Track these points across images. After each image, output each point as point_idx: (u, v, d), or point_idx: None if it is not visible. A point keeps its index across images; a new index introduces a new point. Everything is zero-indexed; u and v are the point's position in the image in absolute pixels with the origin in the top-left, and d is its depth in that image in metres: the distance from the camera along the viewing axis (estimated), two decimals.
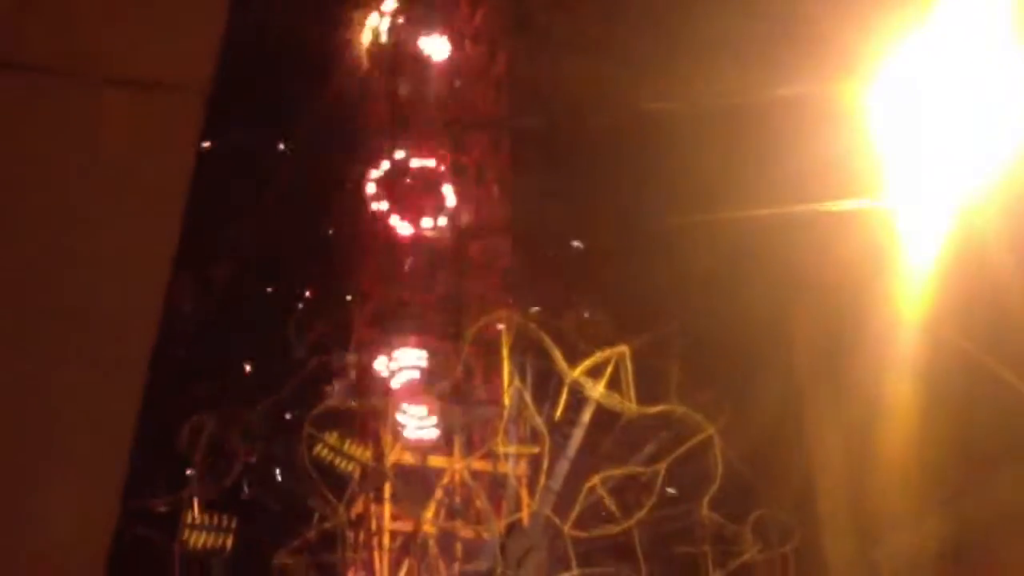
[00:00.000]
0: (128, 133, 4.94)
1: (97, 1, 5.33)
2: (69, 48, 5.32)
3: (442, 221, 19.42)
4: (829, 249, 17.85)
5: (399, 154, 19.79)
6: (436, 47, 20.45)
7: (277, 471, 15.66)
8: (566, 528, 16.05)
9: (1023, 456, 14.39)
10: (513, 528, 16.37)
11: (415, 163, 19.89)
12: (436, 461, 17.05)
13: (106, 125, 5.02)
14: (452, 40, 20.54)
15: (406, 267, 18.94)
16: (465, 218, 19.81)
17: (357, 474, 15.79)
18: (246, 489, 15.58)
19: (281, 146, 21.06)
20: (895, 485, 16.52)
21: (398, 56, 20.37)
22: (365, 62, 20.55)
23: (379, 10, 20.58)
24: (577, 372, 17.03)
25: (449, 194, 19.82)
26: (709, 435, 16.94)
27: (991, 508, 14.74)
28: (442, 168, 20.09)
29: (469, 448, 17.38)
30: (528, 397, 16.91)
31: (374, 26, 20.52)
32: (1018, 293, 14.38)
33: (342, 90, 20.43)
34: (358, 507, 16.59)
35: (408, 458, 16.93)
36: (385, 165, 19.63)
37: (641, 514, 16.19)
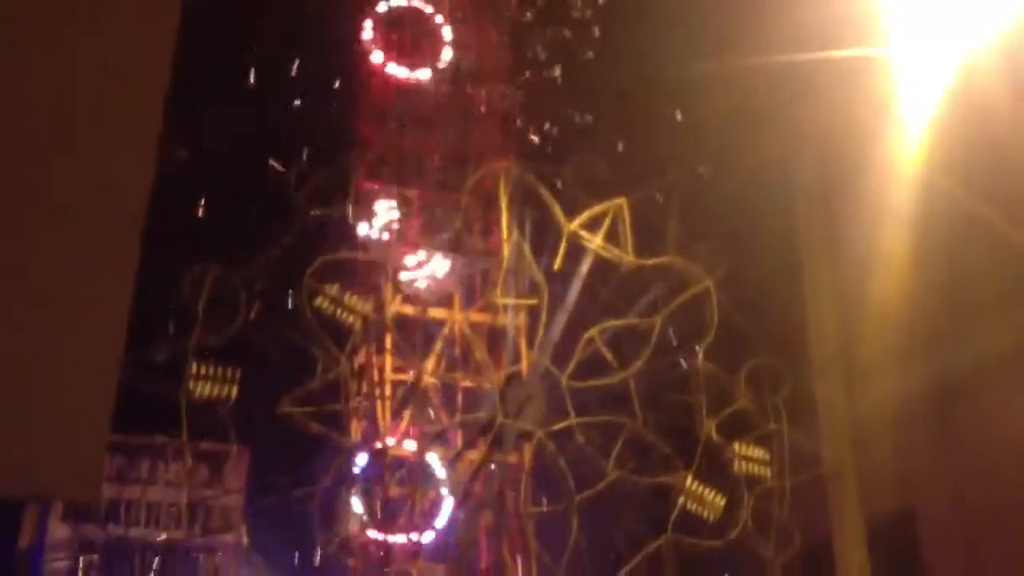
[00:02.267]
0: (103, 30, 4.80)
1: None
2: None
3: (442, 65, 19.16)
4: (832, 99, 17.67)
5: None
6: None
7: (279, 321, 15.78)
8: (564, 378, 16.30)
9: (1010, 303, 14.54)
10: (512, 379, 16.65)
11: (414, 4, 19.48)
12: (436, 313, 17.22)
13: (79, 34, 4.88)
14: None
15: (405, 115, 18.74)
16: (465, 64, 19.51)
17: (358, 325, 15.92)
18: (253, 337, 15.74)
19: None
20: (886, 332, 16.77)
21: None
22: None
23: None
24: (575, 224, 17.02)
25: (448, 38, 19.49)
26: (706, 286, 17.02)
27: (976, 353, 14.99)
28: (440, 15, 19.70)
29: (468, 300, 17.54)
30: (527, 249, 16.93)
31: None
32: (1017, 141, 14.29)
33: None
34: (360, 358, 16.83)
35: (408, 310, 17.09)
36: (383, 8, 19.23)
37: (638, 364, 16.42)
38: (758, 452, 16.62)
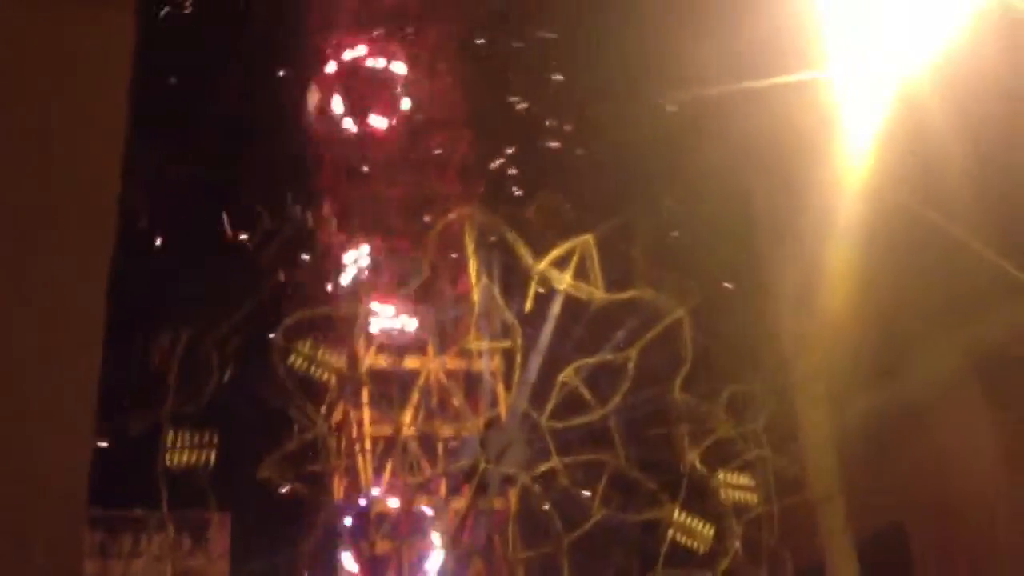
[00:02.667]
0: (63, 47, 4.78)
1: None
2: None
3: (397, 118, 19.25)
4: (781, 120, 17.85)
5: (351, 52, 19.49)
6: None
7: (254, 383, 15.64)
8: (543, 419, 16.24)
9: (963, 317, 14.70)
10: (492, 424, 16.57)
11: (368, 61, 19.61)
12: (411, 362, 17.13)
13: (40, 39, 4.86)
14: None
15: (365, 166, 18.78)
16: (420, 113, 19.61)
17: (333, 381, 15.81)
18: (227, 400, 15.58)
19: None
20: (856, 350, 16.84)
21: None
22: None
23: None
24: (543, 264, 17.04)
25: (403, 90, 19.61)
26: (678, 318, 17.05)
27: (937, 367, 15.11)
28: (395, 65, 19.82)
29: (442, 347, 17.47)
30: (497, 292, 16.92)
31: None
32: (954, 156, 14.55)
33: None
34: (337, 415, 16.69)
35: (382, 361, 16.99)
36: (332, 68, 19.34)
37: (616, 400, 16.39)
38: (743, 479, 16.59)
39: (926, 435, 15.67)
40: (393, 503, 16.20)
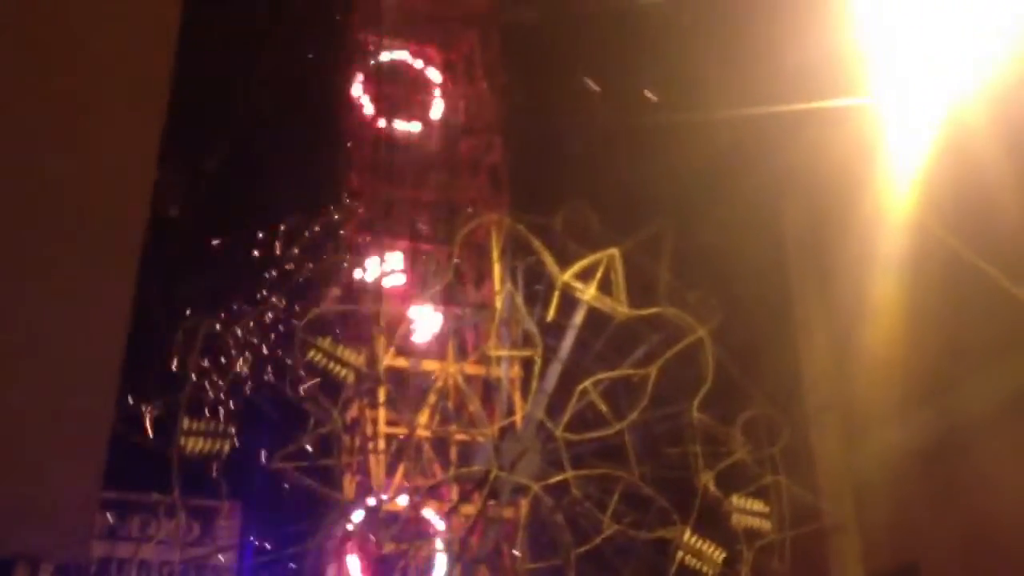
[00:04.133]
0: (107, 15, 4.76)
1: None
2: None
3: (429, 121, 19.30)
4: (819, 146, 17.77)
5: (388, 53, 19.56)
6: None
7: (272, 375, 15.67)
8: (558, 431, 16.17)
9: (1005, 353, 14.48)
10: (506, 431, 16.52)
11: (404, 61, 19.69)
12: (429, 365, 17.12)
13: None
14: None
15: (396, 167, 18.82)
16: (454, 116, 19.66)
17: (351, 379, 15.81)
18: (246, 391, 15.61)
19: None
20: (882, 381, 16.68)
21: None
22: None
23: None
24: (568, 274, 17.00)
25: (438, 93, 19.67)
26: (699, 337, 16.96)
27: (973, 405, 14.88)
28: (431, 66, 19.89)
29: (462, 352, 17.46)
30: (519, 300, 16.88)
31: None
32: (1005, 189, 14.35)
33: None
34: (353, 412, 16.69)
35: (401, 362, 16.99)
36: (372, 62, 19.40)
37: (633, 416, 16.31)
38: (757, 505, 16.45)
39: (953, 471, 15.42)
40: (403, 504, 16.16)
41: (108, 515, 18.05)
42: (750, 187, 18.79)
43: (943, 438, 15.47)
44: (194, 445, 14.99)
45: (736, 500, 16.38)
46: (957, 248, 14.81)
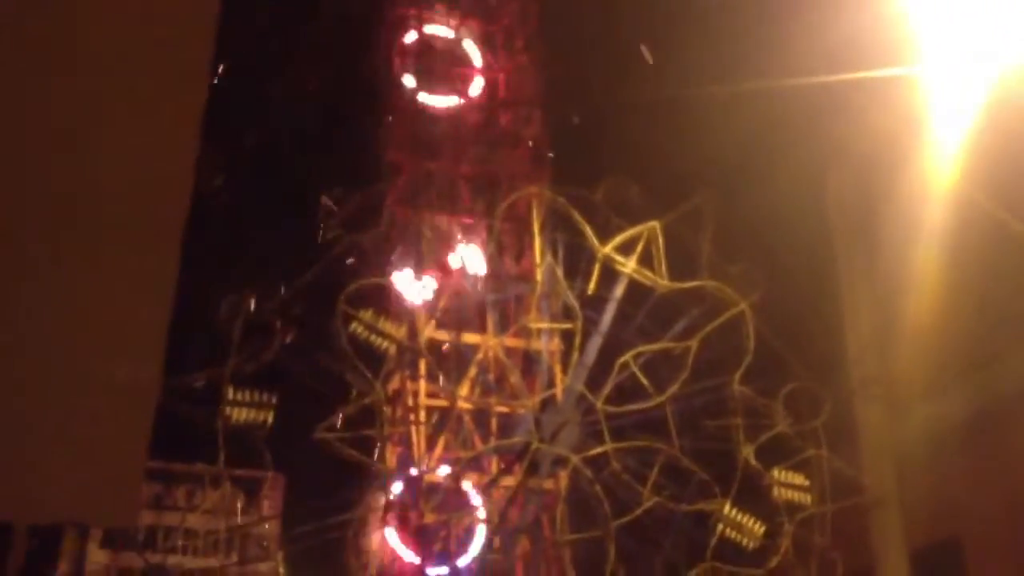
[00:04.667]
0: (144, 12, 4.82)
1: None
2: None
3: (472, 92, 19.25)
4: (864, 118, 17.54)
5: (428, 26, 19.51)
6: None
7: (315, 347, 15.79)
8: (599, 403, 16.19)
9: None
10: (547, 404, 16.56)
11: (444, 34, 19.62)
12: (470, 338, 17.17)
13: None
14: None
15: (436, 141, 18.80)
16: (494, 88, 19.59)
17: (392, 351, 15.90)
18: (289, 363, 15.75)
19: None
20: (923, 354, 16.52)
21: None
22: None
23: None
24: (609, 247, 16.95)
25: (477, 63, 19.59)
26: (741, 310, 16.87)
27: (1015, 379, 14.70)
28: (471, 40, 19.80)
29: (502, 324, 17.49)
30: (560, 273, 16.87)
31: None
32: None
33: None
34: (394, 383, 16.79)
35: (442, 335, 17.06)
36: (412, 37, 19.35)
37: (673, 389, 16.28)
38: (798, 478, 16.39)
39: (995, 445, 15.27)
40: (444, 475, 16.28)
41: (155, 485, 18.37)
42: (795, 159, 18.61)
43: (985, 411, 15.32)
44: (238, 415, 15.16)
45: (777, 473, 16.32)
46: (1001, 218, 14.60)
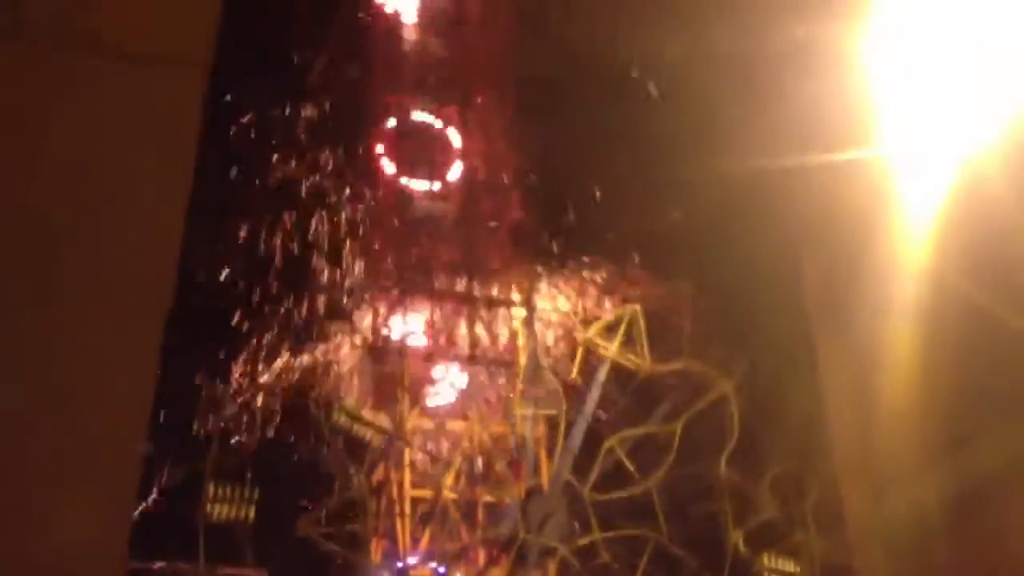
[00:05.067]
0: (130, 107, 4.85)
1: None
2: (68, 22, 5.22)
3: (451, 178, 19.39)
4: (835, 195, 17.71)
5: (408, 111, 19.70)
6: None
7: (297, 439, 15.62)
8: (586, 491, 16.04)
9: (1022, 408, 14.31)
10: (533, 492, 16.38)
11: (422, 120, 19.80)
12: (454, 425, 17.05)
13: (107, 99, 4.94)
14: None
15: (416, 227, 18.88)
16: (473, 174, 19.73)
17: (376, 441, 15.75)
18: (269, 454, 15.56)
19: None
20: (904, 433, 16.46)
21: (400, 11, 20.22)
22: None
23: None
24: (591, 331, 16.96)
25: (456, 151, 19.76)
26: (724, 392, 16.85)
27: (997, 457, 14.67)
28: (450, 126, 20.00)
29: (486, 411, 17.37)
30: (543, 359, 16.84)
31: None
32: (1021, 240, 14.27)
33: (344, 50, 20.28)
34: (378, 473, 16.60)
35: (426, 423, 16.93)
36: (392, 123, 19.53)
37: (659, 474, 16.16)
38: (788, 565, 16.20)
39: (979, 524, 15.17)
40: (431, 568, 16.01)
41: None
42: (768, 237, 18.72)
43: (964, 492, 15.23)
44: (220, 512, 14.92)
45: (767, 559, 16.13)
46: (974, 295, 14.72)
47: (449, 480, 16.38)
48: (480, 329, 17.46)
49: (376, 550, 16.10)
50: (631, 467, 16.32)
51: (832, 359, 18.68)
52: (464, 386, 17.29)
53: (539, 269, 18.10)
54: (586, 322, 17.08)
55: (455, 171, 19.72)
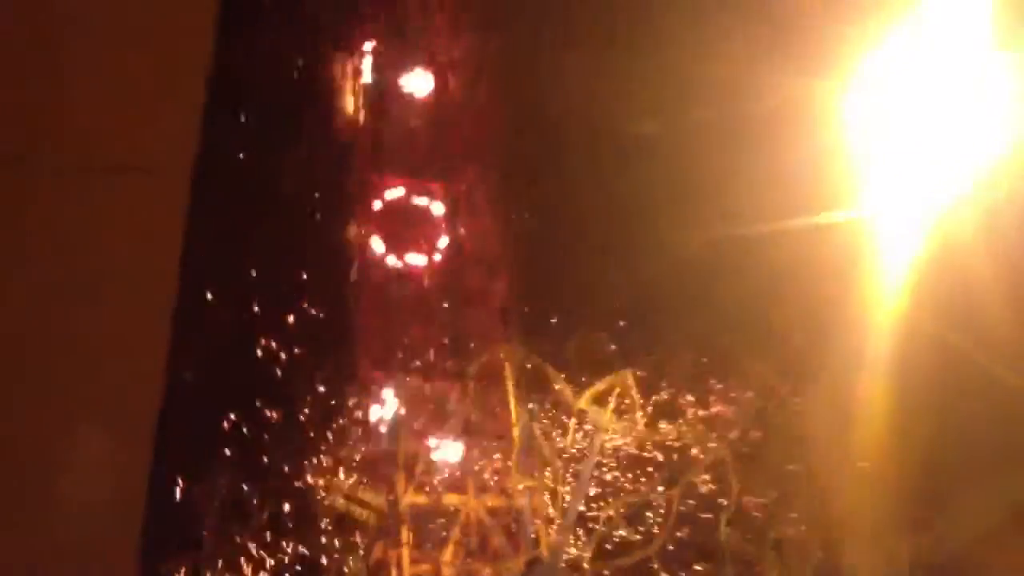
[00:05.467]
0: (111, 218, 4.94)
1: (73, 88, 5.34)
2: (48, 136, 5.34)
3: (436, 256, 19.54)
4: (806, 251, 17.78)
5: (389, 192, 19.91)
6: (418, 82, 20.67)
7: (292, 524, 15.51)
8: (585, 563, 15.94)
9: (1000, 468, 14.29)
10: (533, 564, 16.26)
11: (405, 200, 20.01)
12: (450, 499, 16.98)
13: (87, 210, 5.03)
14: (435, 73, 20.73)
15: (404, 306, 18.99)
16: (459, 252, 19.89)
17: (372, 521, 15.67)
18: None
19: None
20: (877, 493, 16.35)
21: (381, 94, 20.50)
22: (348, 103, 20.64)
23: (360, 50, 20.70)
24: (583, 401, 16.99)
25: (442, 230, 19.95)
26: (722, 457, 16.84)
27: (972, 522, 14.63)
28: (433, 203, 20.20)
29: (482, 485, 17.32)
30: (537, 430, 16.84)
31: (355, 66, 20.62)
32: (998, 301, 14.36)
33: (325, 133, 20.51)
34: (375, 553, 16.48)
35: (422, 499, 16.85)
36: (377, 204, 19.73)
37: (660, 541, 16.08)
38: None
39: None
40: None
41: None
42: (737, 294, 18.70)
43: (947, 554, 15.13)
44: None
45: None
46: (950, 339, 14.77)
47: (448, 555, 16.26)
48: (472, 404, 17.46)
49: None
50: (629, 535, 16.23)
51: (813, 419, 18.56)
52: (459, 460, 17.25)
53: (528, 340, 18.16)
54: (578, 391, 17.10)
55: (441, 247, 19.89)
